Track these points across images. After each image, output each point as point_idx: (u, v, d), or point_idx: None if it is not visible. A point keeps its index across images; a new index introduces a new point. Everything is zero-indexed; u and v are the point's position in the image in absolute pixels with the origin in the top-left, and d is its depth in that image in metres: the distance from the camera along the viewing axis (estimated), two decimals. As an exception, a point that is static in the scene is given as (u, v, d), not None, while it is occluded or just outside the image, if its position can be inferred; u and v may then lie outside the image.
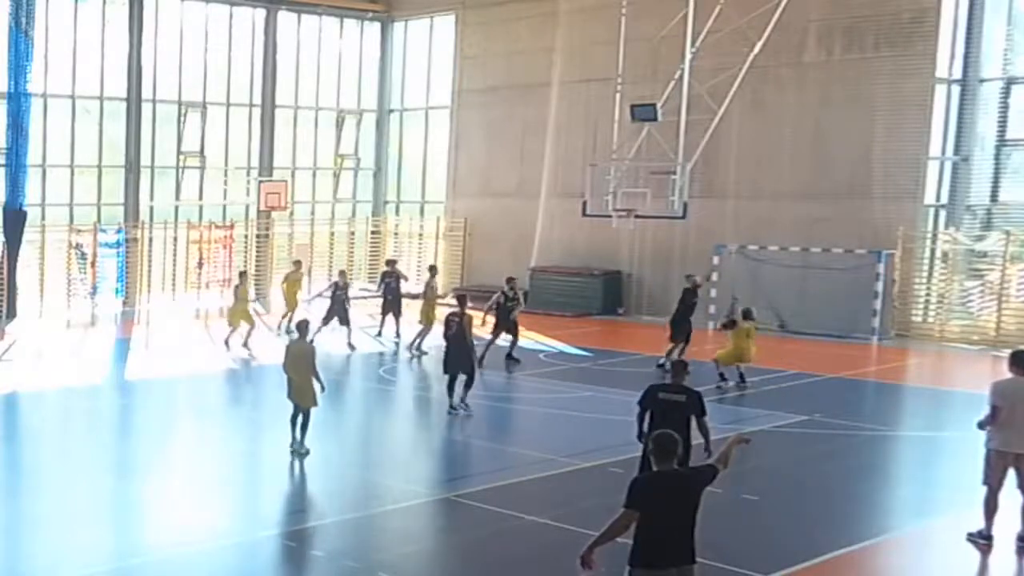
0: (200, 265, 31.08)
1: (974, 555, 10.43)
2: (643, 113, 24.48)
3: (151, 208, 31.29)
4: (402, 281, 24.66)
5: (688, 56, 24.40)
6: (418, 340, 22.10)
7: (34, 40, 26.97)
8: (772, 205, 27.00)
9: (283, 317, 24.82)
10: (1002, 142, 25.30)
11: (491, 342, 20.88)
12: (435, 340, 22.87)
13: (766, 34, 23.83)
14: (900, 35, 25.05)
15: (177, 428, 16.40)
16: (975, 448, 10.92)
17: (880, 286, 25.02)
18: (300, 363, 13.79)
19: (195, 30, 31.55)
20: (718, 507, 6.90)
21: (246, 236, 32.58)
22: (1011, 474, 10.40)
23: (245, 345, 22.22)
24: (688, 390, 10.79)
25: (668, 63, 25.44)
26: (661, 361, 19.75)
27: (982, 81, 25.52)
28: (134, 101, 30.47)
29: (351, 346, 22.73)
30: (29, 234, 27.74)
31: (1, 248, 27.26)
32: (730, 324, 19.07)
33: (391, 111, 36.13)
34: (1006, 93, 25.25)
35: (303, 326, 14.27)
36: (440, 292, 24.91)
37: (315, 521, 11.49)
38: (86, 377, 19.64)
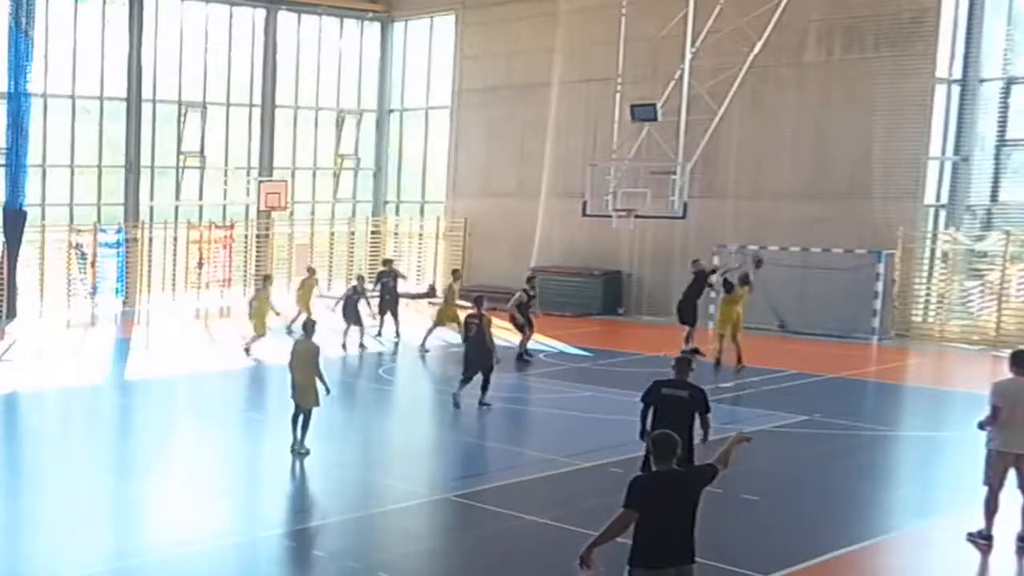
0: (200, 265, 31.08)
1: (974, 555, 10.43)
2: (643, 113, 24.47)
3: (151, 208, 31.30)
4: (400, 280, 24.65)
5: (688, 56, 24.39)
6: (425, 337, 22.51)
7: (34, 40, 26.95)
8: (772, 205, 26.99)
9: (292, 320, 24.24)
10: (1002, 142, 25.30)
11: (527, 339, 21.39)
12: (434, 340, 22.93)
13: (766, 34, 23.82)
14: (900, 35, 25.04)
15: (177, 428, 16.40)
16: (975, 448, 10.92)
17: (880, 286, 25.01)
18: (305, 362, 13.79)
19: (195, 30, 31.55)
20: (718, 507, 6.90)
21: (246, 236, 32.58)
22: (1011, 474, 10.40)
23: (246, 349, 21.89)
24: (692, 386, 10.75)
25: (668, 63, 25.43)
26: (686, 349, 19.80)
27: (982, 81, 25.52)
28: (134, 101, 30.47)
29: (362, 346, 22.72)
30: (29, 234, 27.73)
31: (1, 248, 27.26)
32: (728, 289, 19.26)
33: (391, 111, 36.13)
34: (1006, 93, 25.24)
35: (310, 326, 14.24)
36: (443, 292, 25.00)
37: (315, 521, 11.50)
38: (86, 377, 19.64)
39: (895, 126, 25.07)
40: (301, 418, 13.72)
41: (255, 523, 11.44)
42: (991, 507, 10.45)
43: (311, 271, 25.92)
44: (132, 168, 30.71)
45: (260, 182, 32.37)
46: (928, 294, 25.88)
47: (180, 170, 31.76)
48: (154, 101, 30.84)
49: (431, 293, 33.71)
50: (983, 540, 10.49)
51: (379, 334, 24.10)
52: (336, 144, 35.16)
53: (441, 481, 13.03)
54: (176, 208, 31.63)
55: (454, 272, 24.57)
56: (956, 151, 25.79)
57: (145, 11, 30.29)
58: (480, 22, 33.14)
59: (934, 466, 14.61)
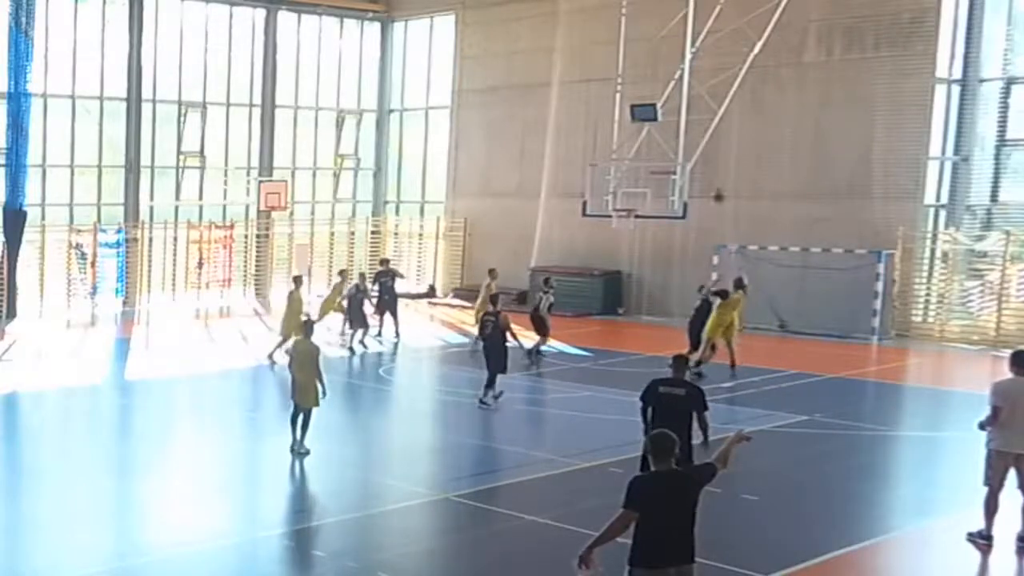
0: (200, 265, 31.09)
1: (974, 555, 10.43)
2: (643, 113, 24.47)
3: (151, 208, 31.30)
4: (398, 280, 24.61)
5: (688, 56, 24.39)
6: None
7: (34, 40, 26.98)
8: (772, 205, 27.00)
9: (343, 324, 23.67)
10: (1002, 142, 25.29)
11: (542, 342, 21.43)
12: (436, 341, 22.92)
13: (766, 34, 23.82)
14: (900, 35, 25.04)
15: (177, 428, 16.41)
16: (975, 448, 10.92)
17: (880, 286, 25.01)
18: (304, 362, 13.79)
19: (195, 30, 31.55)
20: (718, 507, 6.90)
21: (246, 236, 32.59)
22: (1012, 474, 10.40)
23: (271, 356, 20.83)
24: (689, 384, 10.91)
25: (668, 63, 25.43)
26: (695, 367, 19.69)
27: (982, 81, 25.51)
28: (134, 101, 30.47)
29: (363, 344, 22.64)
30: (29, 234, 27.75)
31: (1, 248, 27.27)
32: (722, 293, 19.20)
33: (391, 111, 36.13)
34: (1006, 93, 25.24)
35: (309, 326, 14.26)
36: (443, 292, 24.84)
37: (315, 521, 11.50)
38: (86, 377, 19.64)
39: (895, 126, 25.07)
40: (301, 418, 13.73)
41: (255, 523, 11.44)
42: (991, 507, 10.45)
43: (344, 275, 24.88)
44: (132, 168, 30.71)
45: (260, 182, 32.37)
46: (928, 294, 25.88)
47: (180, 170, 31.76)
48: (154, 101, 30.84)
49: (431, 293, 33.77)
50: (983, 540, 10.49)
51: (379, 334, 24.09)
52: (336, 144, 35.16)
53: (441, 481, 13.02)
54: (176, 208, 31.63)
55: (491, 271, 23.82)
56: (956, 151, 25.79)
57: (145, 11, 30.29)
58: (480, 22, 33.15)
59: (934, 466, 14.61)
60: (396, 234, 35.64)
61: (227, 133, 32.55)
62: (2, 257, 27.23)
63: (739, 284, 19.94)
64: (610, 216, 25.56)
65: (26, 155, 27.15)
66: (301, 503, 12.48)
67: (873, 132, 25.30)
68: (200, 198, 32.23)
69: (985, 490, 10.48)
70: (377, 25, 35.54)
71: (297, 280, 22.10)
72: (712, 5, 24.22)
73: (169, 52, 30.99)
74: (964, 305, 25.43)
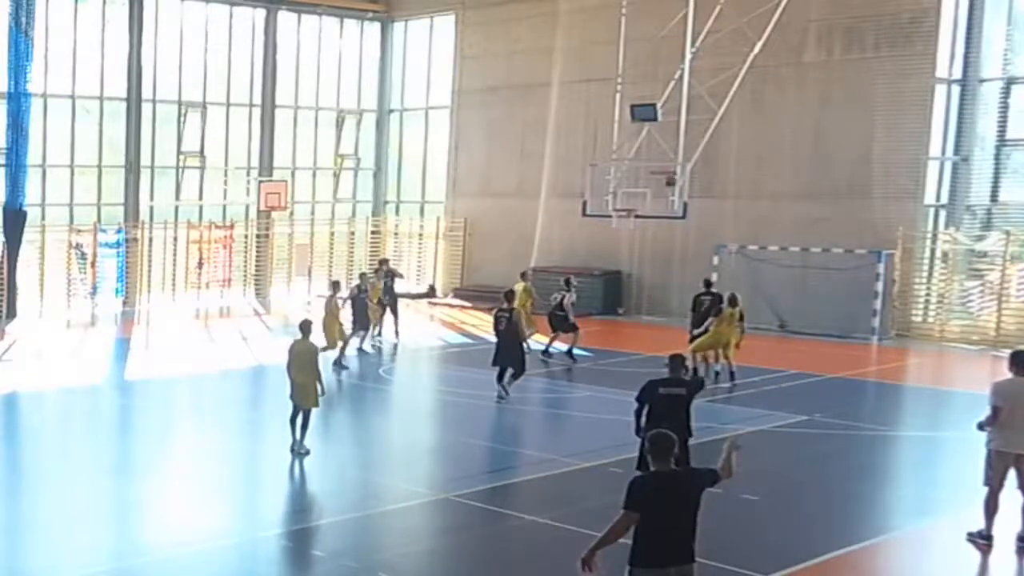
0: (200, 265, 31.09)
1: (974, 555, 10.43)
2: (643, 113, 24.46)
3: (151, 208, 31.29)
4: (397, 280, 24.58)
5: (688, 56, 24.38)
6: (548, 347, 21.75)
7: (34, 40, 26.98)
8: (772, 205, 27.00)
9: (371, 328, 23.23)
10: (1002, 142, 25.30)
11: (573, 341, 21.42)
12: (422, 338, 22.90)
13: (766, 34, 23.80)
14: (900, 35, 25.04)
15: (177, 428, 16.41)
16: (975, 448, 10.92)
17: (880, 286, 25.01)
18: (303, 363, 13.77)
19: (195, 30, 31.55)
20: (718, 507, 6.90)
21: (246, 236, 32.60)
22: (1011, 474, 10.40)
23: (337, 363, 20.08)
24: (686, 382, 11.19)
25: (668, 63, 25.42)
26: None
27: (982, 81, 25.51)
28: (134, 101, 30.47)
29: (374, 347, 22.36)
30: (29, 234, 27.75)
31: (1, 248, 27.27)
32: (717, 312, 19.15)
33: (391, 111, 36.13)
34: (1006, 93, 25.24)
35: (306, 326, 14.20)
36: (443, 292, 24.56)
37: (315, 521, 11.50)
38: (86, 377, 19.64)
39: (895, 126, 25.07)
40: (300, 418, 13.72)
41: (255, 523, 11.44)
42: (991, 507, 10.45)
43: (336, 287, 24.61)
44: (132, 168, 30.71)
45: (260, 182, 32.38)
46: (928, 294, 25.88)
47: (180, 170, 31.76)
48: (154, 101, 30.84)
49: (431, 293, 33.76)
50: (983, 540, 10.49)
51: (379, 334, 24.06)
52: (336, 144, 35.15)
53: (441, 481, 13.02)
54: (176, 208, 31.63)
55: (523, 274, 23.34)
56: (956, 151, 25.79)
57: (145, 11, 30.29)
58: (480, 22, 33.14)
59: (934, 466, 14.61)
60: (396, 234, 35.64)
61: (227, 133, 32.55)
62: (2, 257, 27.23)
63: (733, 301, 19.56)
64: (610, 216, 25.56)
65: (26, 155, 27.15)
66: (301, 503, 12.48)
67: (873, 132, 25.30)
68: (200, 198, 32.23)
69: (985, 490, 10.49)
70: (377, 25, 35.54)
71: (335, 285, 21.57)
72: (712, 5, 24.20)
73: (169, 52, 30.98)
74: (964, 305, 25.43)
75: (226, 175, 32.85)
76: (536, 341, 21.22)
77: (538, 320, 21.95)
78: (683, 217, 24.76)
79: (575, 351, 21.40)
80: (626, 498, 6.84)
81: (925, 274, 25.82)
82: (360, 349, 22.26)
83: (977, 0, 25.17)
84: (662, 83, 25.21)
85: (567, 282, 22.43)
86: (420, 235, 34.96)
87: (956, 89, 25.60)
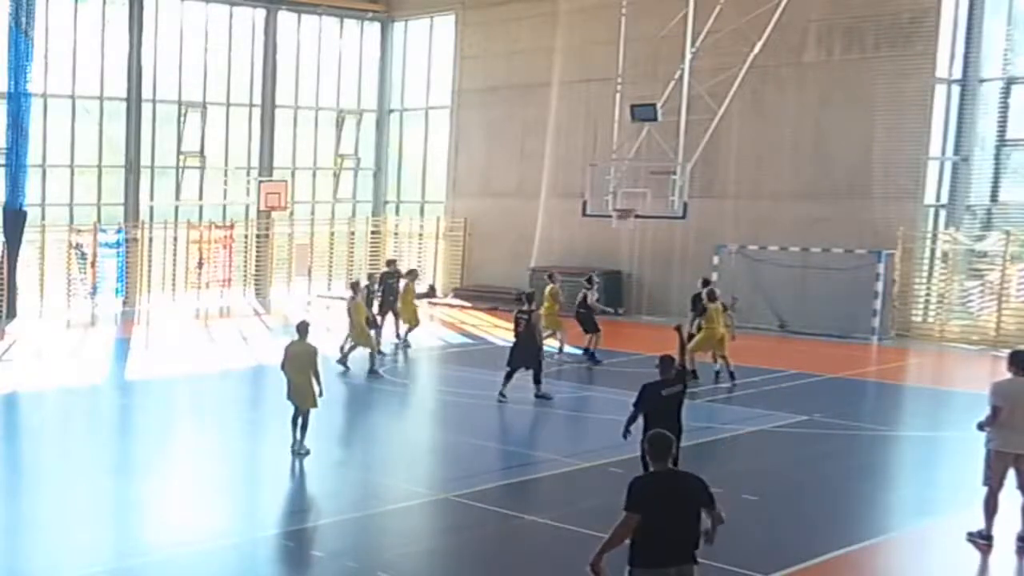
0: (200, 265, 31.08)
1: (974, 555, 10.43)
2: (643, 113, 24.46)
3: (151, 208, 31.29)
4: (402, 281, 24.55)
5: (688, 56, 24.38)
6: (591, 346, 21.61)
7: (34, 40, 26.98)
8: (772, 205, 27.00)
9: (408, 330, 23.24)
10: (1002, 142, 25.30)
11: (594, 342, 21.44)
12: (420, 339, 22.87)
13: (766, 34, 23.80)
14: (900, 35, 25.04)
15: (177, 428, 16.40)
16: (975, 448, 10.92)
17: (880, 286, 25.01)
18: (302, 364, 13.75)
19: (195, 30, 31.54)
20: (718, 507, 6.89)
21: (246, 236, 32.60)
22: (1011, 474, 10.40)
23: (372, 370, 19.82)
24: (681, 379, 11.27)
25: (668, 63, 25.42)
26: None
27: (982, 81, 25.52)
28: (134, 101, 30.47)
29: (385, 351, 21.88)
30: (29, 234, 27.74)
31: (1, 248, 27.27)
32: (700, 311, 19.18)
33: (391, 111, 36.13)
34: (1006, 93, 25.24)
35: (303, 327, 14.15)
36: (443, 292, 24.47)
37: (315, 521, 11.50)
38: (86, 377, 19.64)
39: (895, 126, 25.07)
40: (300, 419, 13.71)
41: (255, 523, 11.44)
42: (991, 507, 10.45)
43: (413, 274, 24.18)
44: (132, 168, 30.71)
45: (260, 182, 32.38)
46: (928, 294, 25.88)
47: (180, 170, 31.76)
48: (154, 101, 30.83)
49: (431, 293, 33.74)
50: (983, 540, 10.49)
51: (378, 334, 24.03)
52: (336, 144, 35.15)
53: (441, 481, 13.03)
54: (176, 208, 31.63)
55: (550, 275, 23.09)
56: (956, 151, 25.79)
57: (145, 11, 30.28)
58: (480, 22, 33.14)
59: (934, 466, 14.61)
60: (396, 234, 35.63)
61: (227, 133, 32.55)
62: (2, 257, 27.22)
63: (712, 296, 19.50)
64: (610, 216, 25.57)
65: (26, 155, 27.15)
66: (301, 503, 12.48)
67: (873, 132, 25.30)
68: (200, 198, 32.23)
69: (984, 490, 10.49)
70: (377, 25, 35.53)
71: (355, 287, 21.03)
72: (712, 5, 24.20)
73: (169, 52, 30.98)
74: (964, 305, 25.43)
75: (226, 175, 32.85)
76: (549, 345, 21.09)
77: (566, 322, 21.89)
78: (683, 217, 24.76)
79: (595, 353, 21.38)
80: (627, 500, 6.84)
81: (925, 274, 25.82)
82: (399, 343, 22.27)
83: (977, 0, 25.17)
84: (662, 83, 25.21)
85: (589, 280, 22.44)
86: (420, 235, 34.95)
87: (956, 89, 25.60)
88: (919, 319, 25.86)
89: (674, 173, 24.36)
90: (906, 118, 24.93)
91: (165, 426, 16.37)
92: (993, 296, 24.59)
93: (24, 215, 27.29)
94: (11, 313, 26.96)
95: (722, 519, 6.92)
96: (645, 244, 29.11)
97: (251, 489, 13.08)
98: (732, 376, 18.87)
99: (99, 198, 30.59)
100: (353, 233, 34.81)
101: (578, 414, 17.13)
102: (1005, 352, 12.02)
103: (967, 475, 11.28)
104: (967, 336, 24.81)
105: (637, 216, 25.28)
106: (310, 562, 10.29)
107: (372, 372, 19.69)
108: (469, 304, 31.16)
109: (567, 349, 21.79)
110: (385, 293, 23.93)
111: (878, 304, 25.06)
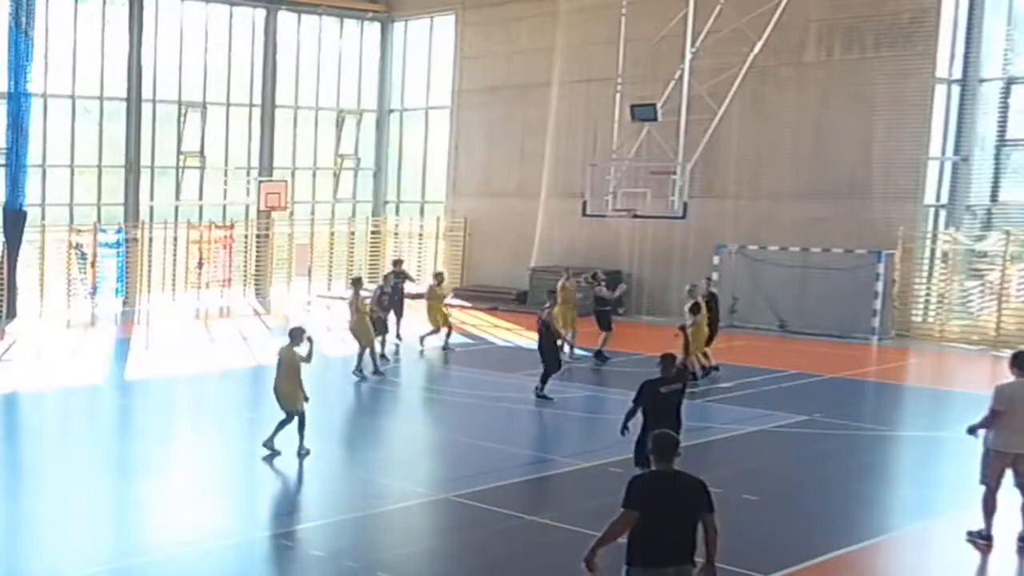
0: (200, 265, 31.08)
1: (974, 555, 10.43)
2: (643, 113, 24.47)
3: (151, 208, 31.30)
4: (407, 282, 24.56)
5: (688, 56, 24.39)
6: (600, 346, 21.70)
7: (34, 40, 26.98)
8: (772, 205, 27.00)
9: (447, 336, 22.89)
10: (1002, 142, 25.30)
11: (607, 339, 21.54)
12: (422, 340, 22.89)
13: (766, 34, 23.81)
14: (900, 35, 25.04)
15: (177, 428, 16.41)
16: (975, 448, 10.91)
17: (880, 286, 25.01)
18: (286, 370, 13.71)
19: (195, 30, 31.55)
20: (718, 507, 6.88)
21: (246, 236, 32.59)
22: (1008, 474, 10.40)
23: (377, 371, 19.64)
24: (681, 377, 11.34)
25: (668, 63, 25.43)
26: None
27: (982, 81, 25.52)
28: (134, 101, 30.47)
29: (389, 356, 21.61)
30: (29, 234, 27.74)
31: (1, 248, 27.26)
32: (695, 308, 19.27)
33: (391, 111, 36.13)
34: (1006, 93, 25.24)
35: (296, 334, 14.04)
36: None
37: (315, 521, 11.49)
38: (86, 377, 19.64)
39: (895, 126, 25.07)
40: (296, 420, 13.69)
41: (255, 523, 11.44)
42: (989, 507, 10.45)
43: (439, 277, 23.90)
44: (132, 168, 30.71)
45: (260, 182, 32.38)
46: (928, 294, 25.88)
47: (180, 170, 31.76)
48: (154, 101, 30.84)
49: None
50: (983, 540, 10.49)
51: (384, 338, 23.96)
52: (336, 144, 35.15)
53: (441, 481, 13.03)
54: (176, 208, 31.62)
55: (566, 271, 23.10)
56: (956, 151, 25.79)
57: (145, 11, 30.29)
58: (480, 22, 33.14)
59: (934, 466, 14.60)
60: (396, 234, 35.63)
61: (227, 133, 32.55)
62: (2, 257, 27.22)
63: (691, 292, 19.63)
64: (610, 216, 25.58)
65: (26, 155, 27.15)
66: (301, 503, 12.48)
67: (873, 132, 25.30)
68: (200, 198, 32.23)
69: (983, 489, 10.49)
70: (377, 25, 35.54)
71: (357, 283, 20.68)
72: (712, 5, 24.21)
73: (169, 52, 30.98)
74: (964, 305, 25.42)
75: (226, 175, 32.85)
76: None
77: (581, 321, 21.93)
78: (683, 217, 24.78)
79: (603, 351, 21.42)
80: (625, 497, 6.83)
81: (925, 274, 25.82)
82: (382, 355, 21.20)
83: (977, 0, 25.17)
84: (662, 83, 25.22)
85: (594, 276, 22.50)
86: (420, 235, 34.96)
87: (956, 89, 25.60)
88: (919, 319, 25.85)
89: (674, 173, 24.38)
90: (906, 118, 24.93)
91: (165, 426, 16.36)
92: (993, 296, 24.58)
93: (24, 215, 27.29)
94: (11, 313, 26.96)
95: (715, 529, 6.92)
96: (645, 244, 29.11)
97: (251, 489, 13.07)
98: (715, 368, 19.10)
99: (99, 198, 30.60)
100: (353, 233, 34.81)
101: (578, 414, 17.13)
102: (1005, 352, 12.05)
103: (967, 475, 11.26)
104: (967, 336, 24.81)
105: (637, 216, 25.33)
106: (310, 562, 10.29)
107: (358, 371, 19.40)
108: (469, 304, 31.14)
109: (577, 351, 21.75)
110: (391, 294, 23.90)
111: (878, 304, 25.05)
